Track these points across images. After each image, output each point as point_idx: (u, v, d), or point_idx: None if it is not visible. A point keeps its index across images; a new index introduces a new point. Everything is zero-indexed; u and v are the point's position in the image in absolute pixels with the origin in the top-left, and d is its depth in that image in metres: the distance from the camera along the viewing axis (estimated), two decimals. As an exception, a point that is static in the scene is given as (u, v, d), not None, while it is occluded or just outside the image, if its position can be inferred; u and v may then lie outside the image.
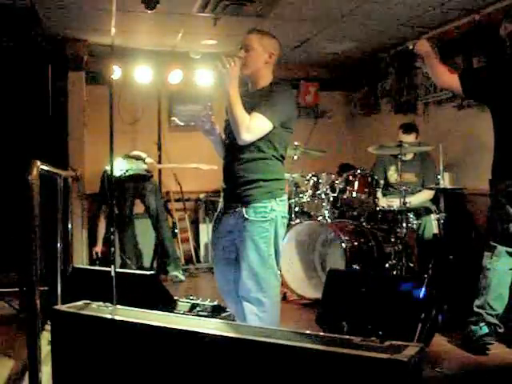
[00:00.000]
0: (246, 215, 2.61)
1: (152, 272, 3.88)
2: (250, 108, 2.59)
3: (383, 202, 4.71)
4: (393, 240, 4.48)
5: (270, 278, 2.65)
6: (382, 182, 4.84)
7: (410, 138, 4.70)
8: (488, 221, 3.33)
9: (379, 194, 4.73)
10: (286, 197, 2.73)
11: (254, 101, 2.64)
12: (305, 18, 4.89)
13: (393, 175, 4.91)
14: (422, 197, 4.77)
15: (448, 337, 3.44)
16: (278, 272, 2.77)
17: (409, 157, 4.87)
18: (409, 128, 4.84)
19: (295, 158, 4.96)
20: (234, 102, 2.57)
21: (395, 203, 4.51)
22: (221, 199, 2.85)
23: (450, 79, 3.29)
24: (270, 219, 2.62)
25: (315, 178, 4.76)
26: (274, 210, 2.63)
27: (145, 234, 5.98)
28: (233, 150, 2.69)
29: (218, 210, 2.84)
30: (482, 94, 3.35)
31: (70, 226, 4.02)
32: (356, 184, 4.62)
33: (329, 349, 1.64)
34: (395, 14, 4.75)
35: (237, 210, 2.65)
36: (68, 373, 2.13)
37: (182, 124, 6.35)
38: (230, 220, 2.71)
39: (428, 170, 4.81)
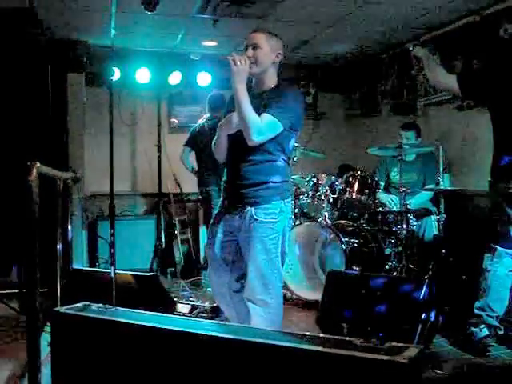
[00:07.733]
0: (255, 216, 2.59)
1: (152, 273, 3.88)
2: (256, 109, 2.54)
3: (384, 198, 4.71)
4: (393, 241, 4.47)
5: (276, 279, 2.64)
6: (382, 183, 4.84)
7: (409, 135, 4.70)
8: (488, 222, 3.33)
9: (380, 193, 4.73)
10: (290, 198, 2.73)
11: (263, 102, 2.60)
12: (305, 19, 4.89)
13: (395, 176, 4.90)
14: (423, 198, 4.77)
15: (448, 338, 3.43)
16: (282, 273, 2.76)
17: (411, 158, 4.87)
18: (408, 125, 4.86)
19: (295, 159, 4.95)
20: (242, 99, 2.51)
21: (395, 199, 4.53)
22: (221, 198, 2.81)
23: (447, 81, 3.30)
24: (279, 220, 2.61)
25: (315, 179, 4.75)
26: (282, 212, 2.62)
27: (145, 234, 5.99)
28: (239, 150, 2.64)
29: (219, 209, 2.79)
30: (481, 95, 3.36)
31: (69, 227, 4.02)
32: (356, 185, 4.61)
33: (329, 350, 1.64)
34: (395, 16, 4.75)
35: (244, 210, 2.62)
36: (68, 374, 2.13)
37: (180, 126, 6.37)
38: (235, 221, 2.67)
39: (430, 172, 4.80)
